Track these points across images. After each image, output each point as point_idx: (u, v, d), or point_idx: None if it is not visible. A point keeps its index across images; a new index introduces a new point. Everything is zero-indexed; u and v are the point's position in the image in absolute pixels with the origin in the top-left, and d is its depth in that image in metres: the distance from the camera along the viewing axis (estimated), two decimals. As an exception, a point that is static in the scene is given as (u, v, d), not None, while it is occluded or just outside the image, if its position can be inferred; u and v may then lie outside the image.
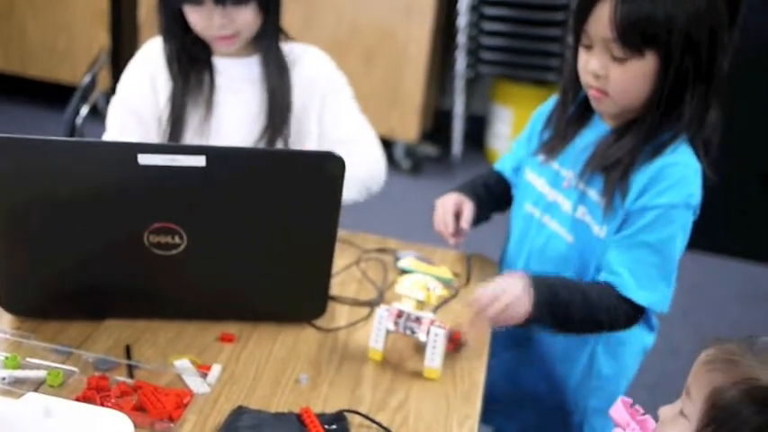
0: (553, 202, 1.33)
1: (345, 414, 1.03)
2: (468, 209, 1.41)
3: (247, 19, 1.41)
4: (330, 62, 1.56)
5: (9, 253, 1.10)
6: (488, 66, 3.53)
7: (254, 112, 1.48)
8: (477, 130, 3.82)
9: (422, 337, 1.13)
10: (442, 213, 1.41)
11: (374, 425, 1.02)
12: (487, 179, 1.50)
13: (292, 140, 1.50)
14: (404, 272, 1.36)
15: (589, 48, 1.21)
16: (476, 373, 1.16)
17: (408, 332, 1.14)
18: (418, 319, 1.14)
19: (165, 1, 1.43)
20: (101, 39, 3.52)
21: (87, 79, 1.85)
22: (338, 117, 1.54)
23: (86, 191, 1.06)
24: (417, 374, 1.13)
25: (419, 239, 1.56)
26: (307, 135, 1.52)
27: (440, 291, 1.16)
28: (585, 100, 1.30)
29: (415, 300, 1.14)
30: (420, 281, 1.15)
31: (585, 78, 1.23)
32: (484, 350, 1.21)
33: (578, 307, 1.21)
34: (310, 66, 1.52)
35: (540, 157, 1.35)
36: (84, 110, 1.82)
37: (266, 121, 1.47)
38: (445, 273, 1.33)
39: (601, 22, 1.17)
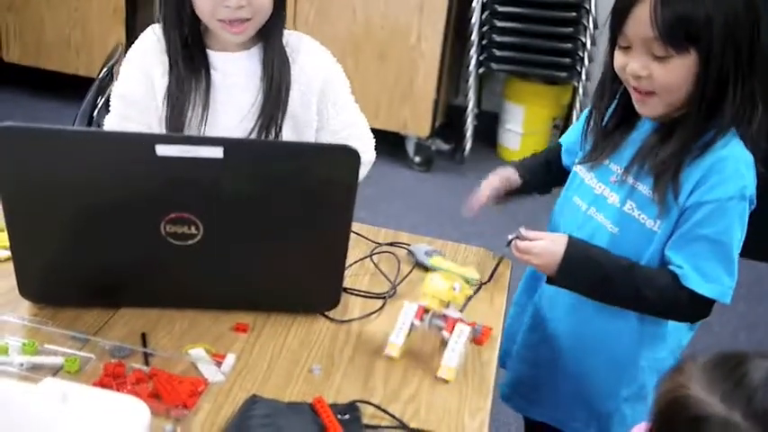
0: (600, 195, 1.33)
1: (358, 404, 1.04)
2: (513, 182, 1.47)
3: (264, 3, 1.39)
4: (327, 54, 1.55)
5: (28, 241, 1.12)
6: (500, 63, 3.53)
7: (249, 106, 1.47)
8: (490, 126, 3.82)
9: (446, 334, 1.14)
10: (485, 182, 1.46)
11: (386, 416, 1.03)
12: (550, 154, 1.54)
13: (287, 133, 1.49)
14: (427, 269, 1.36)
15: (627, 49, 1.22)
16: (488, 365, 1.16)
17: (435, 329, 1.15)
18: (445, 317, 1.15)
19: None
20: (117, 33, 3.54)
21: (104, 72, 1.87)
22: (336, 108, 1.54)
23: (104, 181, 1.08)
24: (430, 367, 1.14)
25: (430, 233, 1.57)
26: (304, 127, 1.52)
27: (466, 290, 1.16)
28: (625, 103, 1.30)
29: (438, 299, 1.14)
30: (446, 280, 1.15)
31: (625, 78, 1.24)
32: (496, 343, 1.22)
33: (619, 273, 1.24)
34: (308, 60, 1.51)
35: (587, 166, 1.36)
36: (101, 102, 1.83)
37: (260, 112, 1.46)
38: (471, 272, 1.33)
39: (640, 22, 1.17)
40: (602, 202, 1.33)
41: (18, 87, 3.83)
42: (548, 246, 1.27)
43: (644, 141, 1.27)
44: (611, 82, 1.30)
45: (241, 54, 1.47)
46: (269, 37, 1.46)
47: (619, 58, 1.24)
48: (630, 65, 1.21)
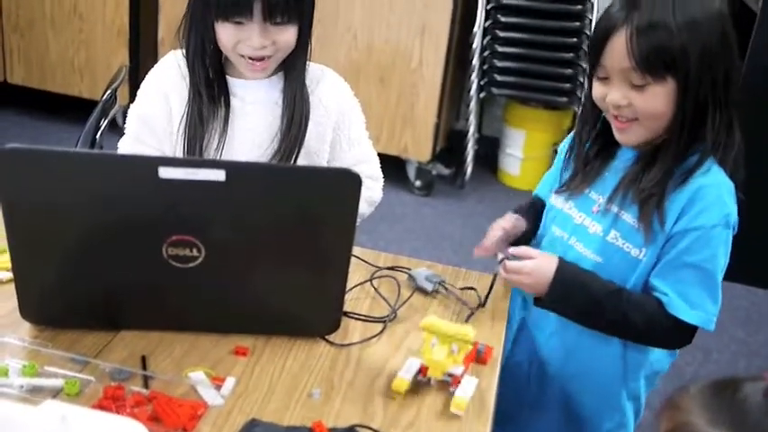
0: (580, 225, 1.33)
1: (357, 429, 1.04)
2: (519, 227, 1.43)
3: (288, 40, 1.39)
4: (346, 88, 1.56)
5: (29, 263, 1.12)
6: (501, 88, 3.56)
7: (267, 135, 1.48)
8: (490, 151, 3.84)
9: (453, 389, 1.12)
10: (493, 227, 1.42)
11: (386, 440, 1.03)
12: (535, 203, 1.50)
13: (300, 162, 1.49)
14: (427, 293, 1.37)
15: (605, 80, 1.23)
16: (487, 391, 1.16)
17: (437, 385, 1.14)
18: (450, 375, 1.13)
19: (200, 15, 1.39)
20: (120, 55, 3.57)
21: (108, 95, 1.88)
22: (350, 142, 1.56)
23: (107, 203, 1.08)
24: (430, 390, 1.14)
25: (430, 257, 1.57)
26: (316, 158, 1.53)
27: (464, 349, 1.13)
28: (605, 132, 1.31)
29: (441, 370, 1.13)
30: (443, 345, 1.12)
31: (605, 108, 1.25)
32: (495, 369, 1.22)
33: (608, 296, 1.25)
34: (327, 92, 1.52)
35: (565, 194, 1.37)
36: (104, 124, 1.85)
37: (279, 144, 1.47)
38: (467, 333, 1.22)
39: (617, 53, 1.19)
40: (583, 232, 1.33)
41: (21, 109, 3.85)
42: (538, 265, 1.27)
43: (627, 170, 1.28)
44: (593, 111, 1.31)
45: (262, 82, 1.48)
46: (292, 69, 1.46)
47: (598, 88, 1.25)
48: (610, 95, 1.22)
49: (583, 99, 1.38)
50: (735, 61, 1.22)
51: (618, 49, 1.19)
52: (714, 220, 1.21)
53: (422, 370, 1.15)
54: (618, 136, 1.27)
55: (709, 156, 1.22)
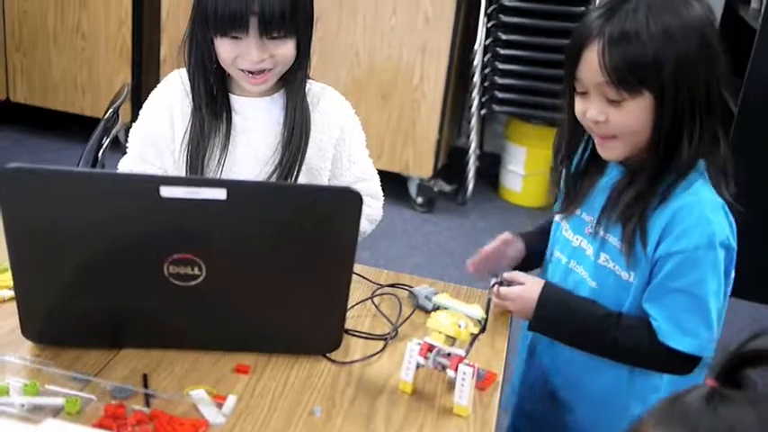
0: (578, 248, 1.31)
1: (359, 447, 1.04)
2: (515, 249, 1.42)
3: (287, 54, 1.40)
4: (347, 106, 1.57)
5: (30, 281, 1.12)
6: (502, 105, 3.57)
7: (268, 152, 1.48)
8: (492, 167, 3.85)
9: (451, 373, 1.13)
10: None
11: (387, 459, 1.03)
12: (547, 223, 1.48)
13: (301, 180, 1.50)
14: (428, 312, 1.36)
15: (584, 95, 1.20)
16: (489, 408, 1.16)
17: (438, 367, 1.14)
18: (448, 355, 1.14)
19: (200, 32, 1.40)
20: (123, 73, 3.58)
21: (110, 113, 1.89)
22: (351, 160, 1.56)
23: (108, 222, 1.08)
24: (431, 409, 1.14)
25: (432, 274, 1.57)
26: (318, 176, 1.53)
27: (471, 328, 1.15)
28: (593, 148, 1.29)
29: (444, 335, 1.14)
30: (451, 317, 1.15)
31: (586, 124, 1.22)
32: (497, 387, 1.22)
33: (593, 321, 1.23)
34: (328, 109, 1.53)
35: (561, 216, 1.36)
36: (106, 142, 1.85)
37: (280, 157, 1.47)
38: (477, 311, 1.31)
39: (591, 67, 1.15)
40: (581, 255, 1.30)
41: (24, 127, 3.87)
42: (523, 291, 1.27)
43: (611, 189, 1.24)
44: (573, 127, 1.27)
45: (264, 99, 1.48)
46: (292, 83, 1.47)
47: (578, 104, 1.22)
48: (589, 111, 1.18)
49: (563, 115, 1.31)
50: (717, 70, 1.16)
51: (591, 63, 1.15)
52: (696, 242, 1.15)
53: (422, 349, 1.14)
54: (600, 151, 1.23)
55: (688, 171, 1.17)
